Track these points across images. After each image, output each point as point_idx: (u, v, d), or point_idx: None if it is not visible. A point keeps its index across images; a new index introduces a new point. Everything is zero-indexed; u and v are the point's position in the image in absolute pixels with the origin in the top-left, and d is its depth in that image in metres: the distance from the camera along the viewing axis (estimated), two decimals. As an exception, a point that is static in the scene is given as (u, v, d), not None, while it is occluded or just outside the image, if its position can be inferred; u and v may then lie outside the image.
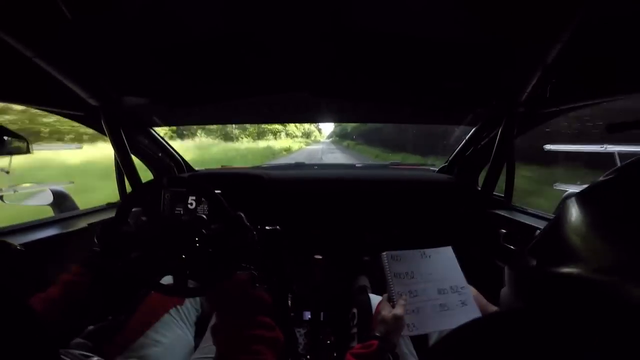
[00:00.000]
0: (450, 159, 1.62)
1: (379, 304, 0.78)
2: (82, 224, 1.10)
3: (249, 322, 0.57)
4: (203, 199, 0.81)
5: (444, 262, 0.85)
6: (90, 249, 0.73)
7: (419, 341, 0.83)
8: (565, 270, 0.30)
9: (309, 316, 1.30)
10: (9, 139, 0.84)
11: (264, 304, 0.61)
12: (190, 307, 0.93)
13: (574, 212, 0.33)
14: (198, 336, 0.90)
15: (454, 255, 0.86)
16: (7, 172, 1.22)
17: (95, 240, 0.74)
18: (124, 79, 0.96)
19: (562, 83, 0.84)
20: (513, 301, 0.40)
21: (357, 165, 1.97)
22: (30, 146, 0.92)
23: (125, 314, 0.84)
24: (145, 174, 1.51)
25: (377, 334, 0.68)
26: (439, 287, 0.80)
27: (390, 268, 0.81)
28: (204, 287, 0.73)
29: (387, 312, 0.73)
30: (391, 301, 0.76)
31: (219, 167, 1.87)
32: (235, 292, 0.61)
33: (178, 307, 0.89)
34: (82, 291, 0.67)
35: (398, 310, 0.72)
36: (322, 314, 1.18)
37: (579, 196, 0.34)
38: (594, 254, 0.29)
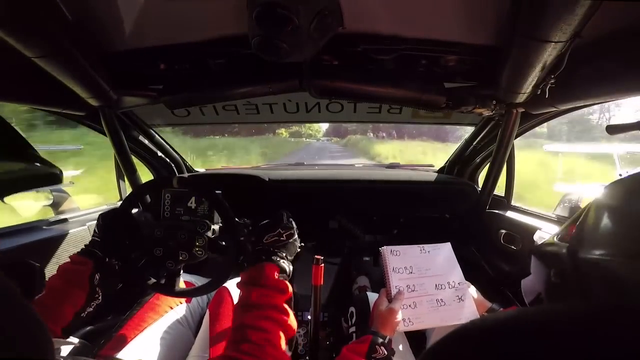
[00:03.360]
0: (450, 159, 1.62)
1: (377, 299, 0.78)
2: (82, 224, 1.10)
3: (264, 305, 0.60)
4: (203, 200, 0.81)
5: (442, 258, 0.86)
6: (91, 239, 0.73)
7: (417, 340, 0.83)
8: (596, 256, 0.32)
9: (309, 316, 1.30)
10: (40, 166, 0.83)
11: (282, 291, 0.63)
12: (196, 305, 0.93)
13: (609, 203, 0.35)
14: None
15: (452, 252, 0.87)
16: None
17: (96, 230, 0.74)
18: (124, 79, 0.96)
19: (562, 83, 0.84)
20: (536, 289, 0.42)
21: (356, 165, 1.97)
22: (62, 176, 0.90)
23: (127, 312, 0.84)
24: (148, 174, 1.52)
25: (373, 329, 0.69)
26: (436, 282, 0.81)
27: (389, 263, 0.81)
28: (195, 290, 0.73)
29: (383, 307, 0.74)
30: (389, 296, 0.77)
31: (220, 167, 1.87)
32: (259, 277, 0.64)
33: (184, 304, 0.90)
34: (83, 279, 0.67)
35: (394, 305, 0.73)
36: (322, 314, 1.17)
37: (613, 189, 0.37)
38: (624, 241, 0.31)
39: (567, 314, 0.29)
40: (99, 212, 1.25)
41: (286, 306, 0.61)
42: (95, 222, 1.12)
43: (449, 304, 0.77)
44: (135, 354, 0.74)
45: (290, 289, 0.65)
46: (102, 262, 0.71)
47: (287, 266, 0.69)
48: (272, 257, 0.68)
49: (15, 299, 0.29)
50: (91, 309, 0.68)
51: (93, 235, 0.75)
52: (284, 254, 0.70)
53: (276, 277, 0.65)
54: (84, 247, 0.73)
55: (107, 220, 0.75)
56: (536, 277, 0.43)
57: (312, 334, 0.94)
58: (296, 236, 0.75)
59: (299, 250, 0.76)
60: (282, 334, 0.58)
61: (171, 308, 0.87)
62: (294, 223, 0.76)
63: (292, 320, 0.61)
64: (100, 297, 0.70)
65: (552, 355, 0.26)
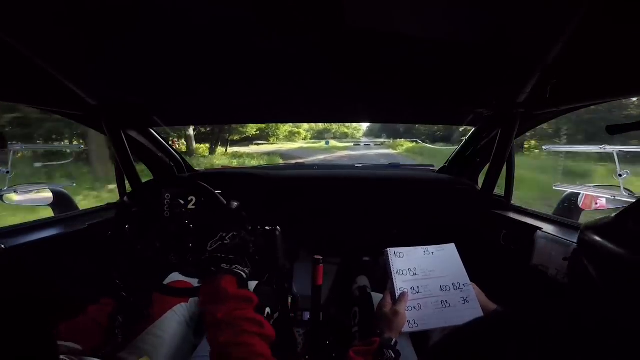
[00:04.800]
0: (450, 159, 1.62)
1: (381, 301, 0.78)
2: (82, 224, 1.10)
3: (235, 319, 0.56)
4: (203, 199, 0.81)
5: (446, 259, 0.85)
6: (113, 281, 0.72)
7: (420, 340, 0.83)
8: None
9: (308, 316, 1.30)
10: None
11: (248, 301, 0.60)
12: (194, 305, 0.93)
13: None
14: (200, 334, 0.90)
15: (456, 253, 0.87)
16: (7, 172, 1.21)
17: (115, 277, 0.73)
18: (124, 79, 0.96)
19: (562, 83, 0.84)
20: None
21: (356, 165, 1.97)
22: (6, 141, 0.87)
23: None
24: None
25: (379, 331, 0.69)
26: (441, 284, 0.80)
27: (393, 265, 0.81)
28: (196, 290, 0.72)
29: (388, 309, 0.73)
30: (393, 298, 0.77)
31: (219, 167, 1.87)
32: (217, 293, 0.60)
33: (183, 304, 0.90)
34: (104, 318, 0.68)
35: (399, 307, 0.73)
36: (321, 314, 1.18)
37: None
38: None
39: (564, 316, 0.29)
40: (99, 211, 1.25)
41: (257, 314, 0.58)
42: (94, 221, 1.13)
43: (454, 306, 0.77)
44: (137, 355, 0.74)
45: (254, 296, 0.60)
46: (127, 302, 0.70)
47: (244, 270, 0.64)
48: (223, 266, 0.62)
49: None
50: (109, 349, 0.67)
51: (115, 279, 0.73)
52: (236, 258, 0.65)
53: (235, 287, 0.60)
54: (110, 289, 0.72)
55: (121, 267, 0.73)
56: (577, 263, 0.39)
57: (312, 334, 0.94)
58: (244, 234, 0.69)
59: (251, 247, 0.70)
60: (263, 342, 0.55)
61: (170, 308, 0.87)
62: (242, 214, 0.70)
63: (268, 327, 0.57)
64: (120, 339, 0.68)
65: (550, 353, 0.26)
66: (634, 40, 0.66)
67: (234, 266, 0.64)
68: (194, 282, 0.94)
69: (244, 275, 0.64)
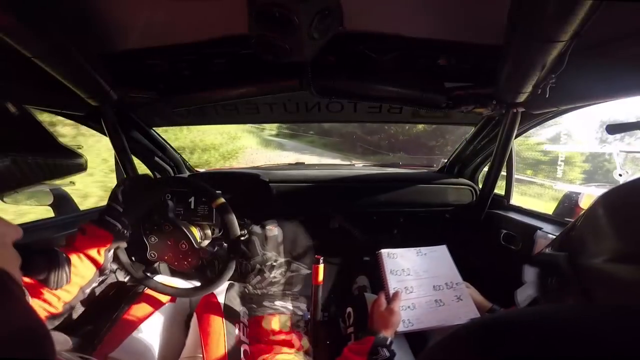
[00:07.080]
0: (450, 159, 1.62)
1: (375, 300, 0.78)
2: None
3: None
4: (204, 200, 0.81)
5: (439, 259, 0.87)
6: (109, 207, 0.69)
7: (417, 341, 0.83)
8: (596, 261, 0.33)
9: (308, 316, 1.31)
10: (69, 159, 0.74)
11: (289, 346, 0.67)
12: (180, 306, 0.93)
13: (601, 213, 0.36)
14: (187, 334, 0.90)
15: (448, 253, 0.89)
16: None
17: (119, 197, 0.70)
18: (125, 78, 0.96)
19: (563, 83, 0.84)
20: (531, 295, 0.42)
21: (356, 165, 1.97)
22: (87, 164, 0.83)
23: (115, 313, 0.83)
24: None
25: (374, 330, 0.69)
26: (434, 283, 0.81)
27: (386, 265, 0.82)
28: (194, 290, 0.73)
29: (383, 307, 0.74)
30: (387, 297, 0.77)
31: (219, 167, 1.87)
32: (262, 334, 0.68)
33: (171, 304, 0.89)
34: (98, 254, 0.65)
35: (393, 305, 0.73)
36: (321, 314, 1.18)
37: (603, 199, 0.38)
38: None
39: (571, 313, 0.29)
40: (99, 211, 1.25)
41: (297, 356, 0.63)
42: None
43: (448, 304, 0.78)
44: (127, 354, 0.73)
45: (297, 337, 0.67)
46: (121, 237, 0.68)
47: (289, 308, 0.69)
48: (277, 303, 0.69)
49: (18, 300, 0.29)
50: (96, 285, 0.67)
51: (113, 202, 0.70)
52: (285, 291, 0.69)
53: (279, 328, 0.66)
54: (102, 216, 0.68)
55: (133, 185, 0.71)
56: (532, 285, 0.44)
57: (311, 334, 0.95)
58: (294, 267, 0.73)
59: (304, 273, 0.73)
60: None
61: (157, 307, 0.87)
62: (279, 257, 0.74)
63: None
64: (108, 273, 0.67)
65: (554, 353, 0.26)
66: (634, 40, 0.66)
67: (282, 303, 0.68)
68: (179, 282, 0.94)
69: (287, 312, 0.69)
